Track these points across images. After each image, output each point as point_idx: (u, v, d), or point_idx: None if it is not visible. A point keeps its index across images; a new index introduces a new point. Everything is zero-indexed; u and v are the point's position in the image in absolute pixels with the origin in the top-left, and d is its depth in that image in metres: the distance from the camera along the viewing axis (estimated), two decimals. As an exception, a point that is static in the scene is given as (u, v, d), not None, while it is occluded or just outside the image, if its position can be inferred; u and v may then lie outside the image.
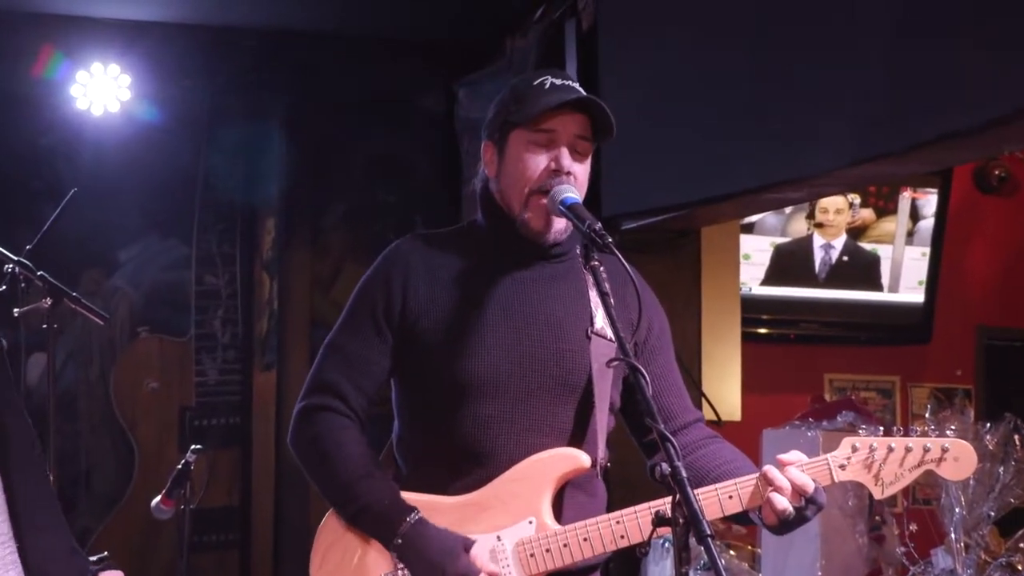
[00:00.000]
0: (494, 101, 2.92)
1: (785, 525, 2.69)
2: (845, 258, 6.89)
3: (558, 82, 2.82)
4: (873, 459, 2.76)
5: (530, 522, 2.76)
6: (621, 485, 3.40)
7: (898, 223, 6.98)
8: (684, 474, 2.27)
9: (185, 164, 6.45)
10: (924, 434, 3.01)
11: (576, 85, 2.84)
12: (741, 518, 2.77)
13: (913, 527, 4.69)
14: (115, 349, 6.42)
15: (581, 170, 2.83)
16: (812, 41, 4.36)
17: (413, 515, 2.76)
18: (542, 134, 2.81)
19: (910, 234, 6.99)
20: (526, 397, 2.79)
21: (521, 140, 2.83)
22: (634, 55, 5.40)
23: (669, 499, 2.28)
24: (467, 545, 2.74)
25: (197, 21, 6.29)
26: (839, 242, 6.87)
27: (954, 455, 2.77)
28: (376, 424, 2.95)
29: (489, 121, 2.91)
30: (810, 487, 2.68)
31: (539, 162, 2.80)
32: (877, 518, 5.05)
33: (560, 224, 2.82)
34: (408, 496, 2.81)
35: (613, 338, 2.75)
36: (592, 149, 2.88)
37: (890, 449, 2.76)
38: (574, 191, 2.76)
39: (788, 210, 6.73)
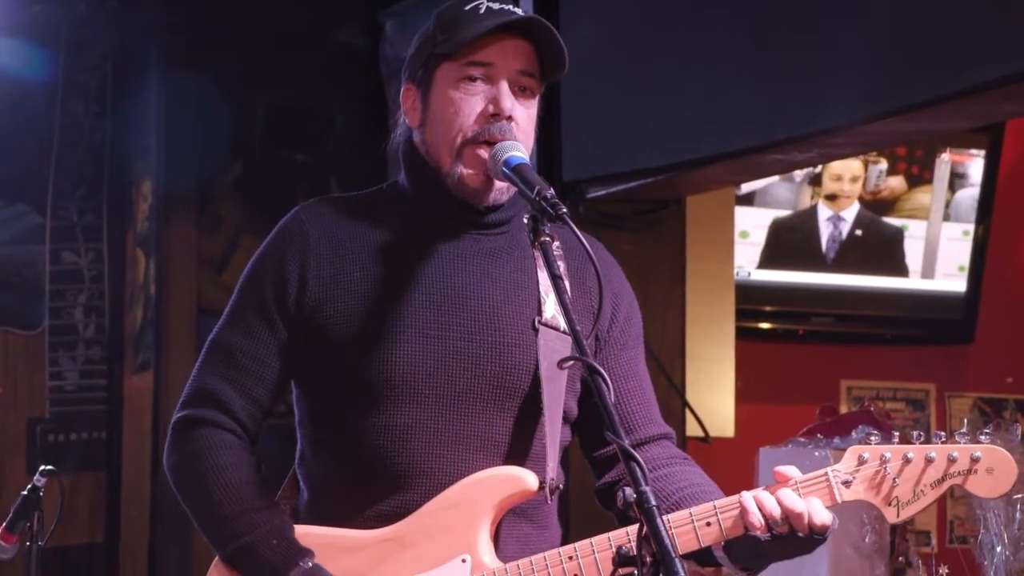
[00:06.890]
0: (416, 35, 2.94)
1: (765, 557, 2.72)
2: (858, 232, 6.90)
3: (495, 6, 2.83)
4: (885, 473, 2.73)
5: (464, 560, 2.76)
6: (584, 519, 3.41)
7: (934, 194, 7.00)
8: (653, 502, 2.29)
9: (37, 112, 6.43)
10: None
11: (518, 11, 2.86)
12: (704, 556, 2.77)
13: (944, 570, 4.72)
14: (-56, 345, 6.41)
15: (524, 115, 2.85)
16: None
17: (306, 560, 2.76)
18: (476, 67, 2.83)
19: (948, 207, 7.03)
20: (455, 403, 2.81)
21: (450, 76, 2.84)
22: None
23: (633, 529, 2.30)
24: (380, 596, 2.76)
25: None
26: (850, 213, 6.88)
27: (987, 465, 2.74)
28: (280, 436, 2.95)
29: (410, 59, 2.93)
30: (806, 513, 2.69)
31: (473, 104, 2.82)
32: (901, 559, 5.08)
33: (502, 183, 2.83)
34: (308, 531, 2.82)
35: (567, 330, 2.77)
36: (539, 89, 2.89)
37: (906, 460, 2.73)
38: (520, 149, 2.78)
39: (798, 177, 6.76)
